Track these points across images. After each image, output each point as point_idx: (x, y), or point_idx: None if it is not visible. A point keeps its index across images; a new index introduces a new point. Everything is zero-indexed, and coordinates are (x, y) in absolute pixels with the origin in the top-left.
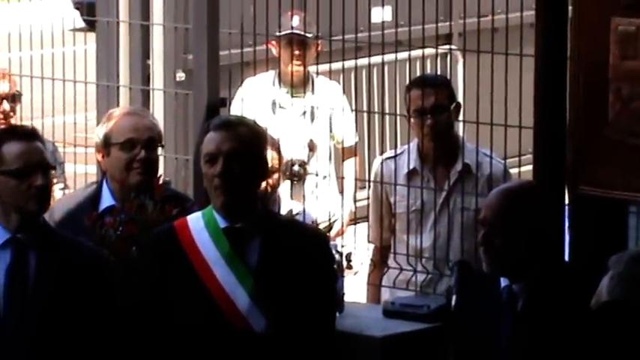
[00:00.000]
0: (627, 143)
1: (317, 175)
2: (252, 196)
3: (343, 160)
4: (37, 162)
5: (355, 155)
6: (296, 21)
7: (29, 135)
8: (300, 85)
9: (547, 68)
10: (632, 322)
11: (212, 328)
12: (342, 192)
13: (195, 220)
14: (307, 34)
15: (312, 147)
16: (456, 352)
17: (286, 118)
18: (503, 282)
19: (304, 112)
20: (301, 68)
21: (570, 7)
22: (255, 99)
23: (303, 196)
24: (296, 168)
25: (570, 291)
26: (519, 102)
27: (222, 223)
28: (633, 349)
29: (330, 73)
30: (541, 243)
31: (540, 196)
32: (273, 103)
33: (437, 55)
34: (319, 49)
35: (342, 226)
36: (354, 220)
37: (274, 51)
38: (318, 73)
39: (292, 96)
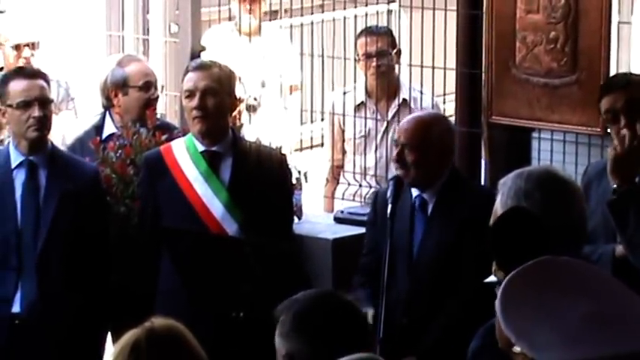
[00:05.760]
0: (530, 81)
1: (253, 104)
2: (224, 125)
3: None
4: (36, 96)
5: (297, 90)
6: None
7: (32, 74)
8: (254, 33)
9: (466, 21)
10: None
11: (194, 232)
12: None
13: (178, 145)
14: None
15: (264, 84)
16: (390, 247)
17: (242, 60)
18: (415, 192)
19: (256, 56)
20: (254, 20)
21: None
22: (216, 45)
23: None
24: (251, 101)
25: (473, 195)
26: (444, 49)
27: (199, 147)
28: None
29: (298, 27)
30: (447, 160)
31: (443, 122)
32: (231, 48)
33: (379, 12)
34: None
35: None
36: (311, 146)
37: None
38: (291, 26)
39: (246, 41)
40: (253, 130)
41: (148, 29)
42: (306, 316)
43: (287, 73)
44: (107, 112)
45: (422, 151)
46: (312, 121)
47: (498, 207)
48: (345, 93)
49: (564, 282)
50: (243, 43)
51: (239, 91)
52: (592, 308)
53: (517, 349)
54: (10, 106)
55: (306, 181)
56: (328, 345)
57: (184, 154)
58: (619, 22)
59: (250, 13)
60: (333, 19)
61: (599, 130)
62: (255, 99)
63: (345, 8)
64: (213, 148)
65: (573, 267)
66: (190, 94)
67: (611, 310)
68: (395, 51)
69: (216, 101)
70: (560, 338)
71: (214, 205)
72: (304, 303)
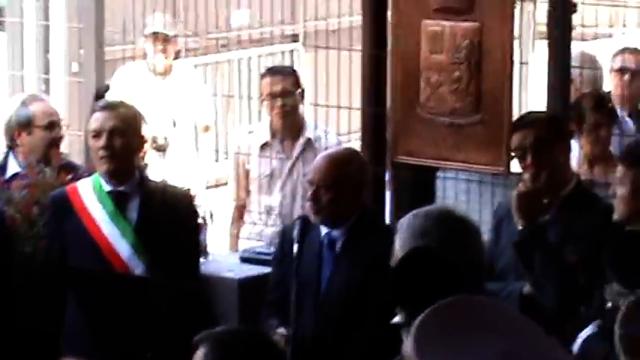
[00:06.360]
0: (435, 121)
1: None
2: (131, 165)
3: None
4: None
5: (209, 131)
6: (159, 21)
7: None
8: (165, 73)
9: (371, 61)
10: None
11: (100, 273)
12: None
13: (84, 185)
14: (168, 33)
15: (175, 124)
16: (298, 286)
17: (153, 99)
18: (324, 230)
19: (167, 95)
20: (165, 59)
21: (389, 12)
22: (127, 84)
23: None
24: (160, 141)
25: (380, 233)
26: (349, 88)
27: (106, 187)
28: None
29: (202, 66)
30: (360, 196)
31: (357, 158)
32: (143, 87)
33: (282, 52)
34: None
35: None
36: (216, 185)
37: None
38: (196, 66)
39: (158, 80)
40: (163, 169)
41: (48, 68)
42: (229, 351)
43: (200, 113)
44: (10, 152)
45: (338, 189)
46: (217, 160)
47: (398, 248)
48: (249, 132)
49: (476, 321)
50: (155, 83)
51: (145, 131)
52: (504, 347)
53: None
54: None
55: (212, 221)
56: None
57: (91, 194)
58: (520, 63)
59: (163, 53)
60: (238, 60)
61: (502, 169)
62: (165, 138)
63: (249, 47)
64: (120, 188)
65: (484, 306)
66: (97, 134)
67: (521, 349)
68: (299, 90)
69: (123, 141)
70: None
71: (121, 245)
72: (226, 337)
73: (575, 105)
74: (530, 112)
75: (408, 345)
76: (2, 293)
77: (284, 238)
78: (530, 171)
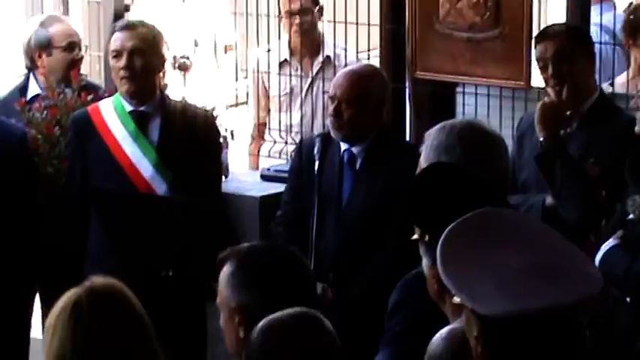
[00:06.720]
0: (454, 36)
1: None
2: (151, 84)
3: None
4: None
5: (231, 50)
6: None
7: None
8: None
9: None
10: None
11: (123, 192)
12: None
13: (105, 105)
14: None
15: (196, 43)
16: (319, 200)
17: (174, 18)
18: (344, 146)
19: (188, 14)
20: None
21: None
22: (148, 4)
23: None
24: (182, 60)
25: (399, 149)
26: (368, 5)
27: (128, 107)
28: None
29: None
30: (381, 113)
31: (379, 74)
32: (164, 6)
33: None
34: None
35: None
36: (236, 104)
37: None
38: None
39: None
40: (186, 89)
41: None
42: (255, 267)
43: (221, 32)
44: (31, 74)
45: (359, 105)
46: (236, 79)
47: (422, 160)
48: (268, 51)
49: (503, 233)
50: (176, 2)
51: (165, 51)
52: (530, 259)
53: (456, 299)
54: None
55: (233, 139)
56: (279, 297)
57: (112, 115)
58: None
59: None
60: None
61: (522, 83)
62: (187, 58)
63: None
64: (142, 108)
65: (511, 218)
66: (118, 54)
67: (547, 260)
68: (317, 8)
69: (144, 61)
70: (500, 289)
71: (143, 165)
72: (251, 254)
73: (628, 15)
74: (551, 25)
75: (426, 261)
76: (28, 214)
77: (302, 151)
78: (553, 83)
